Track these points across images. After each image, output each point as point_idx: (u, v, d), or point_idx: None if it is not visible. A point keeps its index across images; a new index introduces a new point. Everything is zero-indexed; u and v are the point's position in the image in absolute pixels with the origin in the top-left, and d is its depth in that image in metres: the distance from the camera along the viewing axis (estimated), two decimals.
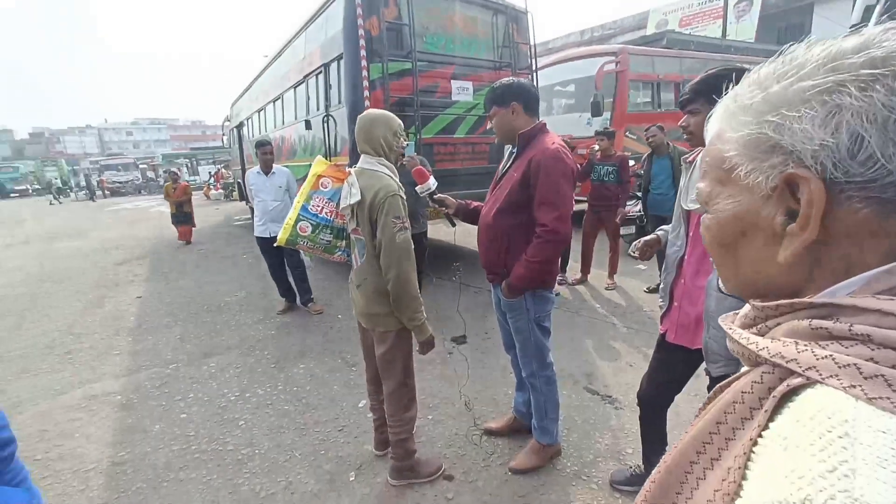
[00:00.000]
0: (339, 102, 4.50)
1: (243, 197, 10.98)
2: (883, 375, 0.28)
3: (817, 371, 0.31)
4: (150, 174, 27.39)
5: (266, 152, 4.04)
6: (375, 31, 4.10)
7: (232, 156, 12.61)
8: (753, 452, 0.32)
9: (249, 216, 10.98)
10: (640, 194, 5.32)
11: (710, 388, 1.55)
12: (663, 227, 1.71)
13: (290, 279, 4.38)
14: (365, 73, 4.04)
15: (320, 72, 4.88)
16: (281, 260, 4.24)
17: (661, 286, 1.65)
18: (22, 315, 4.69)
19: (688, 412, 2.31)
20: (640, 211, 5.69)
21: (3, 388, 3.13)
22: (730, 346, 0.42)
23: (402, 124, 1.87)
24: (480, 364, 3.11)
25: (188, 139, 58.93)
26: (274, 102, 6.97)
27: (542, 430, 2.10)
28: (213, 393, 2.92)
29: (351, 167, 1.88)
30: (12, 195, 28.24)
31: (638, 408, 1.86)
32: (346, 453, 2.28)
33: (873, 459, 0.25)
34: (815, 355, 0.31)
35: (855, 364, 0.29)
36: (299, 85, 5.65)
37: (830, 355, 0.31)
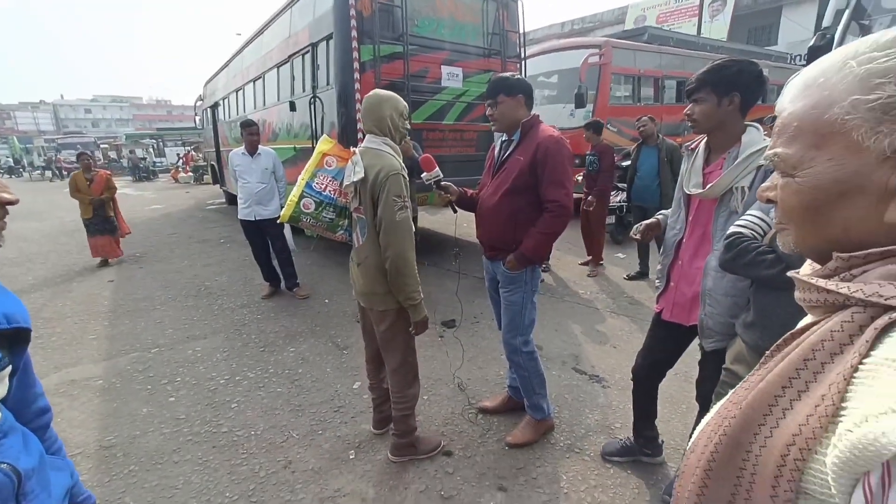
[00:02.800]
0: (328, 84, 4.40)
1: (217, 180, 10.63)
2: None
3: None
4: (113, 154, 25.95)
5: (252, 133, 3.94)
6: (367, 11, 4.02)
7: (204, 137, 12.12)
8: (855, 378, 0.36)
9: (224, 200, 10.66)
10: (622, 185, 5.48)
11: (702, 363, 1.66)
12: (663, 211, 1.79)
13: (275, 264, 4.30)
14: (356, 54, 3.97)
15: (307, 52, 4.75)
16: (265, 243, 4.16)
17: (659, 268, 1.74)
18: None
19: (673, 387, 2.44)
20: (621, 201, 5.87)
21: None
22: (803, 296, 0.46)
23: (407, 106, 1.89)
24: (472, 347, 3.17)
25: (152, 119, 56.09)
26: (254, 82, 6.73)
27: (534, 407, 2.21)
28: (200, 376, 2.87)
29: (355, 147, 1.87)
30: None
31: (631, 383, 1.95)
32: (343, 433, 2.29)
33: None
34: None
35: None
36: (283, 65, 5.48)
37: None
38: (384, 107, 1.80)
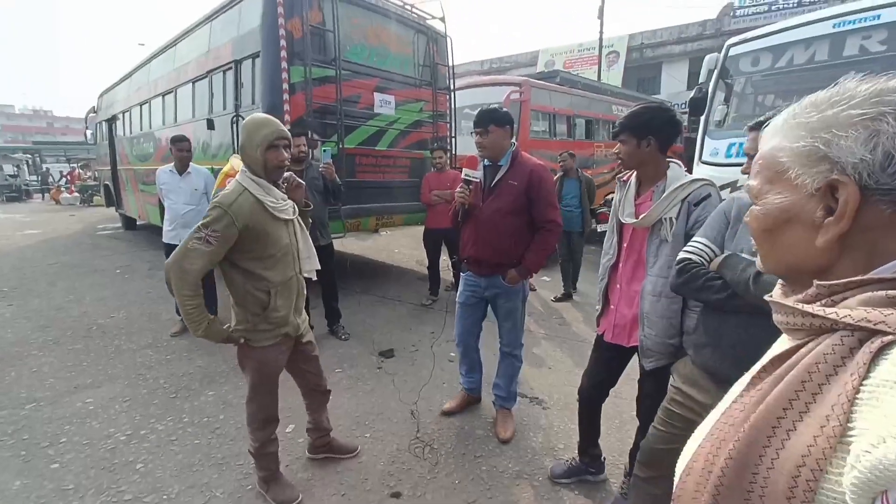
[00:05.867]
0: (253, 103, 4.17)
1: (112, 202, 9.42)
2: None
3: None
4: None
5: (182, 149, 3.62)
6: (298, 32, 3.91)
7: (97, 154, 10.73)
8: (857, 399, 0.40)
9: (119, 224, 9.42)
10: None
11: (642, 381, 1.77)
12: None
13: None
14: (285, 75, 3.82)
15: (229, 68, 4.48)
16: (211, 282, 3.70)
17: (598, 290, 1.85)
18: None
19: (607, 404, 2.54)
20: None
21: None
22: (785, 319, 0.51)
23: (279, 133, 1.63)
24: (413, 377, 3.08)
25: (27, 131, 48.42)
26: (164, 97, 6.15)
27: (511, 396, 2.50)
28: (94, 434, 2.41)
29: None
30: None
31: (569, 403, 2.02)
32: None
33: None
34: None
35: None
36: (200, 80, 5.10)
37: None
38: (241, 134, 1.66)
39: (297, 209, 1.82)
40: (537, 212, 2.14)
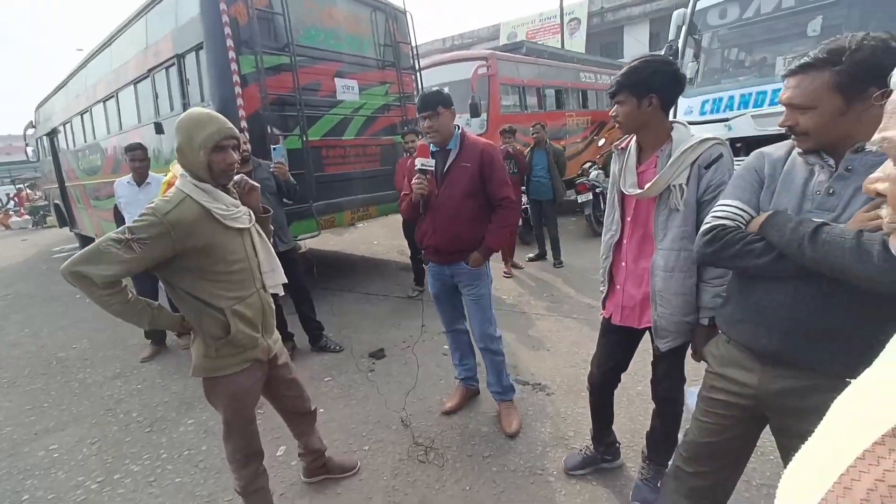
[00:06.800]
0: (203, 100, 3.81)
1: (65, 222, 8.80)
2: None
3: None
4: None
5: (136, 158, 3.32)
6: (243, 18, 3.55)
7: (42, 171, 9.98)
8: None
9: (77, 245, 8.83)
10: (522, 187, 5.81)
11: (656, 363, 1.64)
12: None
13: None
14: (234, 66, 3.48)
15: (172, 64, 4.07)
16: (154, 286, 3.38)
17: (602, 271, 1.70)
18: None
19: (631, 387, 2.44)
20: (524, 203, 6.15)
21: None
22: None
23: (226, 132, 1.42)
24: (407, 376, 2.91)
25: None
26: (104, 103, 5.64)
27: (507, 389, 2.39)
28: (60, 486, 2.16)
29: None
30: None
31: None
32: None
33: None
34: None
35: None
36: (142, 80, 4.65)
37: None
38: (178, 134, 1.40)
39: (253, 216, 1.58)
40: (491, 191, 2.12)
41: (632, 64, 1.44)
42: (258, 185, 1.64)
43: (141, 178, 3.38)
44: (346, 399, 2.74)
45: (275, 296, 1.71)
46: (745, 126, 4.39)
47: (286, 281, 1.70)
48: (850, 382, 0.43)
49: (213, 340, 1.46)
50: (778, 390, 1.05)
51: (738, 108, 4.55)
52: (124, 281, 1.35)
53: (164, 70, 4.28)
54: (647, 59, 1.42)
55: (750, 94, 4.50)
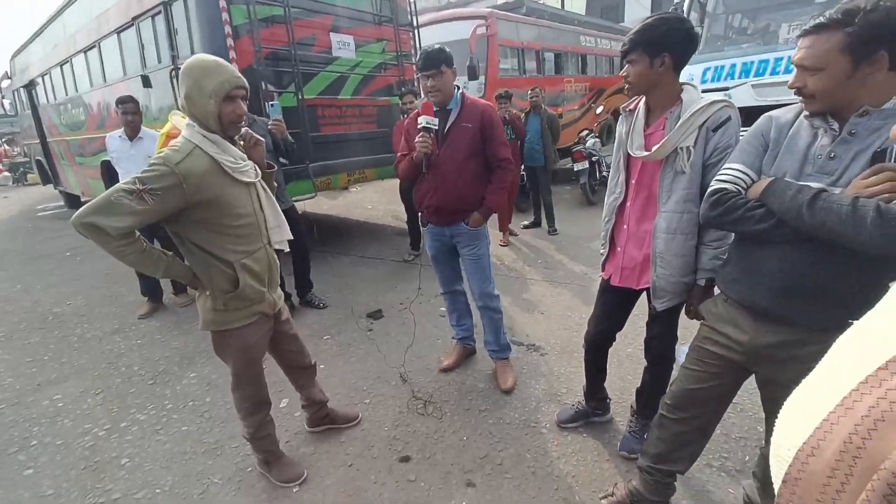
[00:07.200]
0: (193, 53, 3.64)
1: (48, 178, 8.54)
2: None
3: None
4: None
5: (128, 111, 3.20)
6: None
7: (21, 126, 9.58)
8: None
9: (62, 203, 8.62)
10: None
11: (651, 323, 1.71)
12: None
13: None
14: (226, 16, 3.32)
15: (158, 13, 3.86)
16: (150, 240, 3.35)
17: (603, 233, 1.73)
18: None
19: (622, 349, 2.53)
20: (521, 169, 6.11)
21: None
22: None
23: (237, 82, 1.37)
24: (405, 335, 2.98)
25: None
26: (86, 53, 5.36)
27: (504, 348, 2.46)
28: (68, 433, 2.23)
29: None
30: None
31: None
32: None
33: None
34: None
35: None
36: (126, 29, 4.42)
37: None
38: (185, 81, 1.34)
39: (258, 171, 1.57)
40: (492, 151, 2.14)
41: (646, 21, 1.41)
42: (263, 140, 1.62)
43: (133, 133, 3.28)
44: (346, 356, 2.81)
45: (278, 252, 1.72)
46: (744, 96, 4.36)
47: (291, 237, 1.71)
48: (837, 336, 0.47)
49: (221, 294, 1.47)
50: (767, 343, 1.12)
51: (740, 77, 4.51)
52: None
53: (149, 18, 4.06)
54: (662, 17, 1.39)
55: (752, 63, 4.44)
